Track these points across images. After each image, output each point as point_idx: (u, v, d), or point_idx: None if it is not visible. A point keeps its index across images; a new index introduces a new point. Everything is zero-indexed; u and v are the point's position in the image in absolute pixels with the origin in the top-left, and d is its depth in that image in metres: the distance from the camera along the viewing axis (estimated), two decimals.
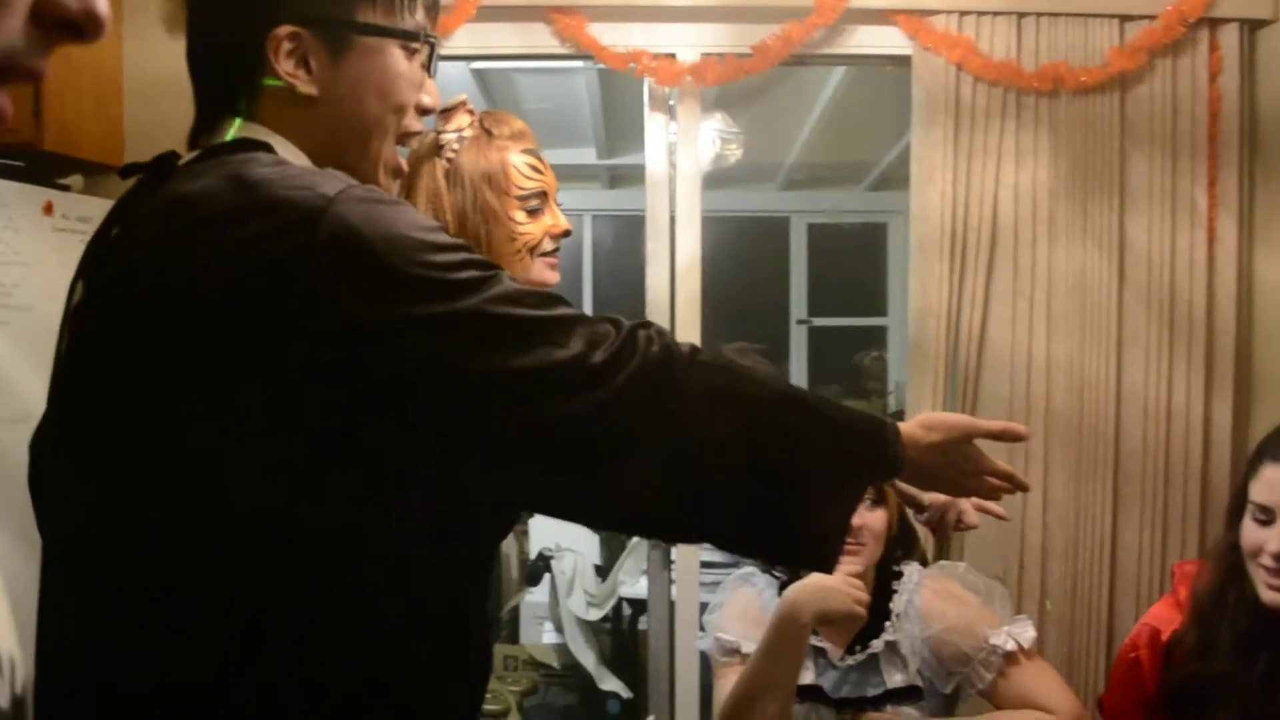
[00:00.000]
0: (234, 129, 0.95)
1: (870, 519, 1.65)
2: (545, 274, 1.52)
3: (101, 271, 0.89)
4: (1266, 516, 1.47)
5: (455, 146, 1.52)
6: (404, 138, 1.04)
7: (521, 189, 1.50)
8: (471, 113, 1.56)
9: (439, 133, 1.55)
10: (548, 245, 1.52)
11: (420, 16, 1.01)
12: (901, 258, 5.17)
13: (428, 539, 0.91)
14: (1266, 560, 1.45)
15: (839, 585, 1.55)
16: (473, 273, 0.83)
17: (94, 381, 0.86)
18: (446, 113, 1.56)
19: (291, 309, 0.78)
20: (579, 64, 3.40)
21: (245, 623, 0.82)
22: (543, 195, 1.52)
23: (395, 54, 0.99)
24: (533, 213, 1.51)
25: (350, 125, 0.98)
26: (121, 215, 0.92)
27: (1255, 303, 2.45)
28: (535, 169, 1.53)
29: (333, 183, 0.83)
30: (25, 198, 2.20)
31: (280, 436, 0.81)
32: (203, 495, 0.81)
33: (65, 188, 2.29)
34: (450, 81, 3.56)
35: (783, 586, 1.70)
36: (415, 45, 1.01)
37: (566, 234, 1.55)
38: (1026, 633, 1.61)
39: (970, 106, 2.39)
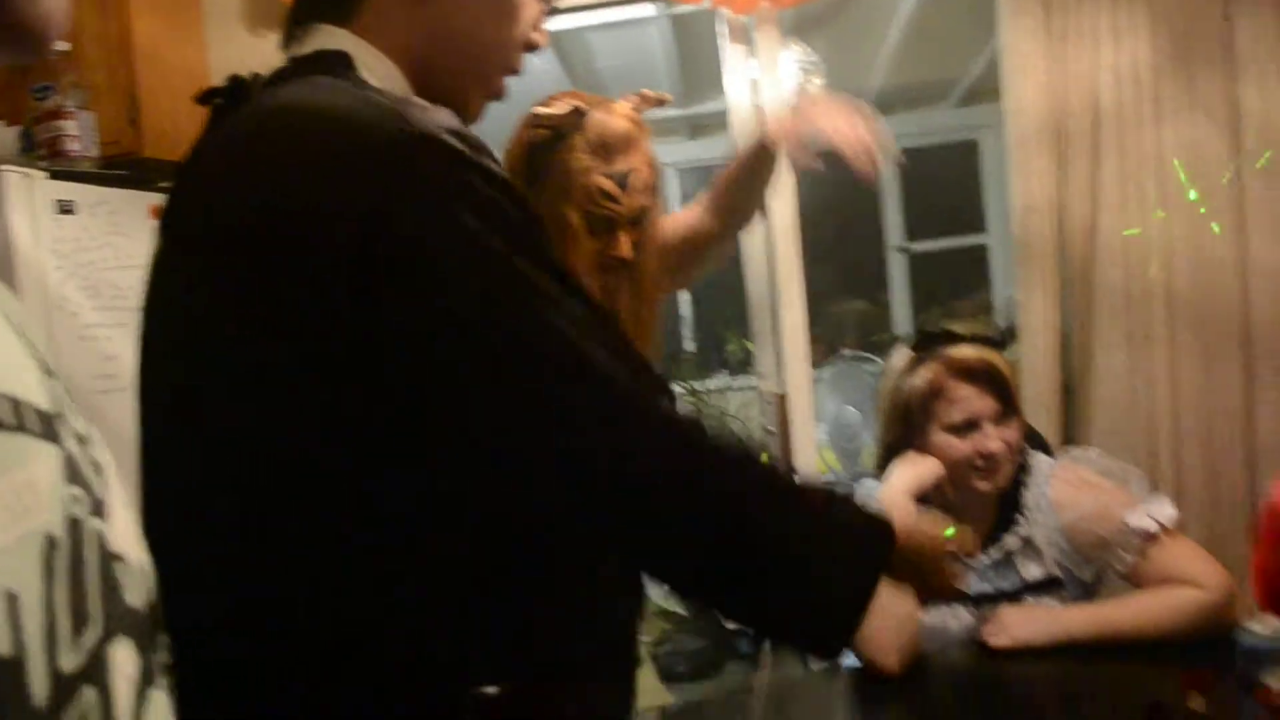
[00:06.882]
0: (316, 38, 0.85)
1: (1008, 434, 1.62)
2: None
3: (170, 215, 0.83)
4: None
5: (551, 123, 1.50)
6: (504, 72, 0.94)
7: (590, 210, 1.50)
8: (581, 112, 1.52)
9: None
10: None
11: None
12: (996, 172, 5.02)
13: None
14: None
15: (919, 459, 1.61)
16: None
17: (172, 330, 0.80)
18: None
19: (375, 264, 0.69)
20: (651, 12, 3.39)
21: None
22: (610, 222, 1.51)
23: None
24: (595, 233, 1.51)
25: (459, 39, 0.88)
26: (194, 151, 0.84)
27: None
28: (610, 196, 1.50)
29: (414, 122, 0.73)
30: (132, 204, 2.31)
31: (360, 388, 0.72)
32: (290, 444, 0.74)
33: (168, 190, 2.38)
34: None
35: None
36: None
37: (624, 262, 1.53)
38: (1165, 510, 1.56)
39: None
